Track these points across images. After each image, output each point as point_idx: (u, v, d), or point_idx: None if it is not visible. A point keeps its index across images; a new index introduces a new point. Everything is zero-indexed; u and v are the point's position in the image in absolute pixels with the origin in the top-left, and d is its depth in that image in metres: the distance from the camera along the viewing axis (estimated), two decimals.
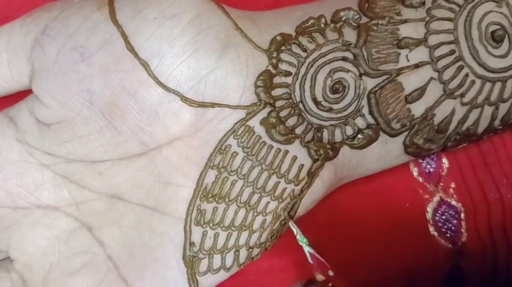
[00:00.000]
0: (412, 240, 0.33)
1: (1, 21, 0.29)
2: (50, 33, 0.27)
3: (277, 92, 0.27)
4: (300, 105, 0.27)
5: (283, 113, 0.27)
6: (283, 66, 0.27)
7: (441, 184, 0.33)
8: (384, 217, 0.33)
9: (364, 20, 0.28)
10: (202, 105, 0.26)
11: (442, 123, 0.28)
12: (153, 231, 0.27)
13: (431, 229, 0.33)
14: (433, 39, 0.27)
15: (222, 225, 0.27)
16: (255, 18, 0.28)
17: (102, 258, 0.28)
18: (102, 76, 0.26)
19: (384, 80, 0.27)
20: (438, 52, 0.27)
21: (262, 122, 0.27)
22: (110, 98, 0.26)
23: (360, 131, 0.28)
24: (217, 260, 0.27)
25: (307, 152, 0.27)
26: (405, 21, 0.27)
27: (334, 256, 0.33)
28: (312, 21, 0.28)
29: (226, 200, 0.27)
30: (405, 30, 0.27)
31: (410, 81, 0.27)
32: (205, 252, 0.27)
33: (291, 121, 0.27)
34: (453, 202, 0.33)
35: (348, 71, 0.27)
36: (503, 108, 0.29)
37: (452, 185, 0.33)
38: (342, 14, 0.28)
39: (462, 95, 0.28)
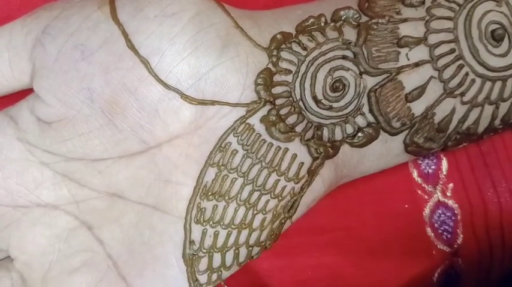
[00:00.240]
0: (408, 241, 0.33)
1: (1, 22, 0.29)
2: (51, 32, 0.27)
3: (277, 90, 0.27)
4: (300, 103, 0.27)
5: (283, 111, 0.27)
6: (283, 65, 0.27)
7: (439, 185, 0.34)
8: (382, 217, 0.34)
9: (364, 19, 0.28)
10: (202, 103, 0.26)
11: (443, 122, 0.28)
12: (153, 229, 0.27)
13: (428, 230, 0.33)
14: (433, 38, 0.27)
15: (222, 223, 0.27)
16: (255, 17, 0.28)
17: (101, 257, 0.27)
18: (102, 74, 0.26)
19: (384, 79, 0.27)
20: (438, 51, 0.27)
21: (262, 119, 0.27)
22: (110, 96, 0.26)
23: (360, 129, 0.28)
24: (217, 258, 0.27)
25: (307, 150, 0.27)
26: (405, 20, 0.28)
27: (333, 256, 0.33)
28: (312, 20, 0.28)
29: (226, 198, 0.27)
30: (405, 29, 0.28)
31: (410, 80, 0.27)
32: (205, 250, 0.27)
33: (291, 119, 0.27)
34: (450, 203, 0.33)
35: (348, 69, 0.27)
36: (503, 107, 0.29)
37: (451, 187, 0.33)
38: (341, 13, 0.28)
39: (462, 94, 0.28)
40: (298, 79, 0.27)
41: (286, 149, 0.27)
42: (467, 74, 0.28)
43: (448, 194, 0.33)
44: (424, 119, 0.28)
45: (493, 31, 0.28)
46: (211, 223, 0.27)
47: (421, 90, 0.27)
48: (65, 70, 0.26)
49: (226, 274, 0.27)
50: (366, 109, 0.28)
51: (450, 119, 0.28)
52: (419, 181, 0.34)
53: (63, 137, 0.27)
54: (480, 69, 0.28)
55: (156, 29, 0.26)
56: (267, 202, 0.27)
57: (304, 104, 0.27)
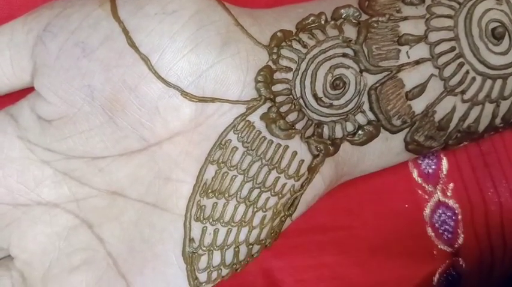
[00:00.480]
0: (409, 241, 0.33)
1: (2, 21, 0.29)
2: (52, 30, 0.27)
3: (277, 87, 0.27)
4: (301, 101, 0.27)
5: (283, 109, 0.27)
6: (283, 62, 0.27)
7: (440, 184, 0.34)
8: (383, 217, 0.34)
9: (365, 17, 0.28)
10: (202, 100, 0.26)
11: (443, 121, 0.28)
12: (153, 227, 0.27)
13: (428, 230, 0.33)
14: (433, 36, 0.28)
15: (221, 221, 0.27)
16: (256, 15, 0.28)
17: (101, 255, 0.27)
18: (103, 72, 0.26)
19: (384, 77, 0.27)
20: (438, 49, 0.28)
21: (263, 117, 0.27)
22: (111, 93, 0.26)
23: (360, 127, 0.28)
24: (216, 256, 0.27)
25: (307, 148, 0.27)
26: (405, 18, 0.28)
27: (333, 256, 0.33)
28: (312, 18, 0.28)
29: (226, 195, 0.27)
30: (405, 27, 0.28)
31: (410, 78, 0.27)
32: (204, 248, 0.27)
33: (291, 117, 0.27)
34: (451, 203, 0.33)
35: (348, 67, 0.27)
36: (504, 106, 0.29)
37: (451, 187, 0.33)
38: (342, 11, 0.28)
39: (463, 92, 0.28)
40: (299, 77, 0.27)
41: (287, 147, 0.27)
42: (467, 72, 0.28)
43: (449, 194, 0.33)
44: (425, 117, 0.28)
45: (493, 29, 0.28)
46: (211, 220, 0.27)
47: (421, 88, 0.27)
48: (66, 68, 0.26)
49: (226, 273, 0.27)
50: (366, 107, 0.28)
51: (451, 117, 0.28)
52: (420, 181, 0.34)
53: (63, 134, 0.27)
54: (481, 68, 0.28)
55: (156, 26, 0.26)
56: (267, 199, 0.27)
57: (304, 102, 0.27)
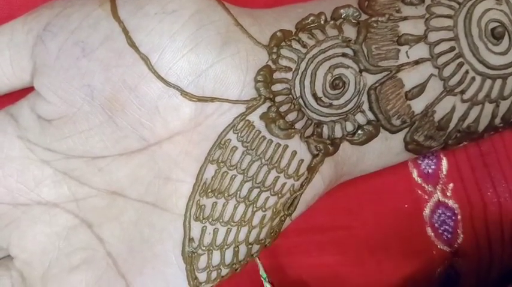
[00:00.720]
0: (409, 240, 0.33)
1: (2, 21, 0.29)
2: (52, 30, 0.27)
3: (277, 87, 0.27)
4: (300, 100, 0.27)
5: (283, 108, 0.27)
6: (283, 62, 0.27)
7: (439, 185, 0.34)
8: (382, 217, 0.34)
9: (364, 17, 0.28)
10: (202, 99, 0.26)
11: (443, 120, 0.28)
12: (152, 227, 0.27)
13: (428, 230, 0.33)
14: (433, 36, 0.28)
15: (221, 220, 0.27)
16: (255, 15, 0.28)
17: (101, 255, 0.27)
18: (103, 71, 0.26)
19: (384, 77, 0.27)
20: (438, 49, 0.28)
21: (262, 116, 0.27)
22: (111, 93, 0.26)
23: (360, 127, 0.28)
24: (216, 256, 0.27)
25: (306, 147, 0.27)
26: (405, 18, 0.28)
27: (333, 256, 0.33)
28: (312, 18, 0.28)
29: (226, 195, 0.27)
30: (405, 27, 0.28)
31: (410, 78, 0.27)
32: (204, 248, 0.27)
33: (291, 116, 0.27)
34: (450, 203, 0.33)
35: (347, 67, 0.27)
36: (503, 105, 0.29)
37: (450, 187, 0.33)
38: (341, 11, 0.28)
39: (462, 92, 0.28)
40: (298, 76, 0.27)
41: (286, 146, 0.27)
42: (467, 72, 0.28)
43: (448, 194, 0.33)
44: (424, 117, 0.28)
45: (493, 29, 0.28)
46: (210, 220, 0.27)
47: (421, 88, 0.27)
48: (66, 67, 0.26)
49: (226, 272, 0.27)
50: (365, 107, 0.28)
51: (450, 117, 0.28)
52: (419, 181, 0.34)
53: (63, 134, 0.27)
54: (480, 67, 0.28)
55: (156, 26, 0.26)
56: (267, 199, 0.27)
57: (304, 102, 0.27)
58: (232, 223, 0.27)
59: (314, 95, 0.27)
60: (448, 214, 0.33)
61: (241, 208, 0.27)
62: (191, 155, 0.27)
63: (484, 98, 0.28)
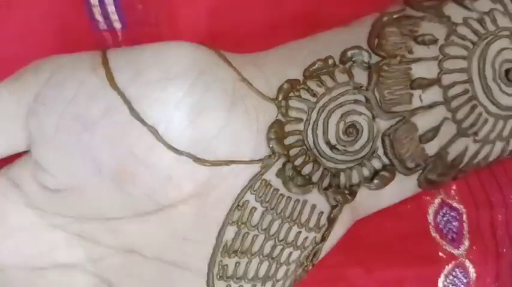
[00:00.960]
0: (413, 242, 0.34)
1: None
2: (44, 102, 0.25)
3: (289, 140, 0.26)
4: (315, 151, 0.27)
5: (298, 161, 0.26)
6: (293, 113, 0.26)
7: None
8: (385, 218, 0.34)
9: (375, 59, 0.27)
10: (216, 163, 0.25)
11: (455, 160, 0.28)
12: (174, 286, 0.27)
13: (432, 231, 0.34)
14: (446, 79, 0.27)
15: (245, 278, 0.27)
16: (260, 63, 0.27)
17: None
18: (108, 144, 0.25)
19: (397, 122, 0.27)
20: (452, 92, 0.27)
21: (279, 174, 0.26)
22: (119, 166, 0.25)
23: (376, 173, 0.27)
24: None
25: (325, 199, 0.27)
26: (418, 60, 0.27)
27: (335, 256, 0.34)
28: (319, 63, 0.26)
29: (249, 255, 0.26)
30: (418, 70, 0.27)
31: (424, 122, 0.27)
32: None
33: (307, 169, 0.26)
34: (455, 204, 0.34)
35: (360, 113, 0.27)
36: None
37: (454, 187, 0.34)
38: (349, 53, 0.27)
39: (475, 134, 0.28)
40: (310, 126, 0.26)
41: (305, 201, 0.26)
42: (480, 114, 0.27)
43: (452, 194, 0.34)
44: (438, 159, 0.28)
45: (507, 70, 0.27)
46: (234, 278, 0.27)
47: (434, 132, 0.27)
48: (66, 143, 0.25)
49: None
50: (380, 152, 0.27)
51: (462, 157, 0.28)
52: None
53: (72, 202, 0.26)
54: (493, 109, 0.27)
55: (159, 95, 0.25)
56: (290, 254, 0.27)
57: (318, 151, 0.27)
58: (258, 280, 0.27)
59: (328, 143, 0.27)
60: (452, 214, 0.33)
61: (265, 265, 0.27)
62: (208, 216, 0.26)
63: (496, 137, 0.28)
